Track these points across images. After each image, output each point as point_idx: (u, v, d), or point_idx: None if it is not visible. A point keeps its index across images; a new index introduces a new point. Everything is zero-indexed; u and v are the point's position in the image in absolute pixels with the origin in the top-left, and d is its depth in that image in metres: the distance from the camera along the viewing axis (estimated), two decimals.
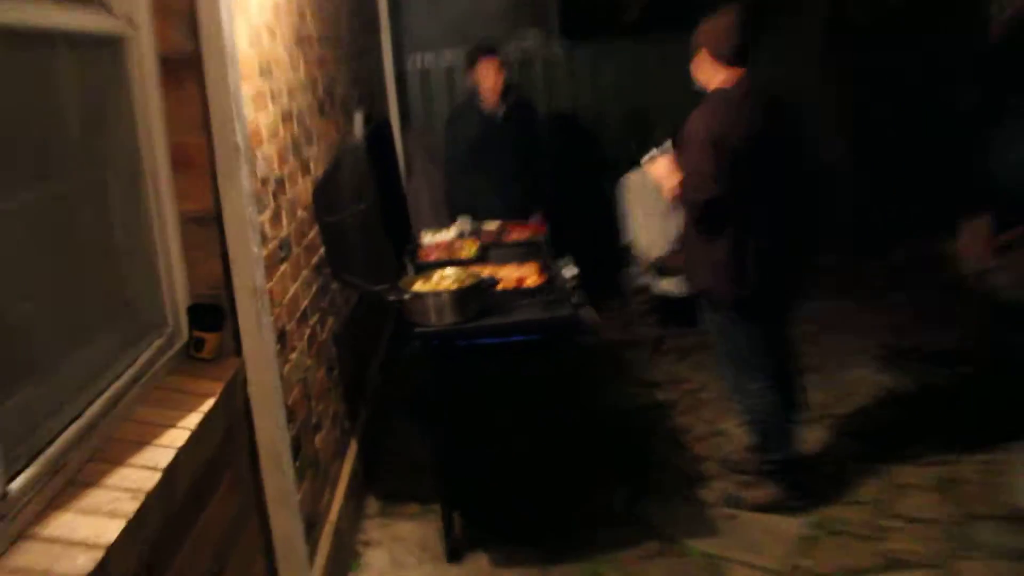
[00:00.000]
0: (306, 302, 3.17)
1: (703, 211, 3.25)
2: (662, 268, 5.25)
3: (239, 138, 2.40)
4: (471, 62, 4.80)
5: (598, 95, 6.07)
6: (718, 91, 3.28)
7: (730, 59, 3.24)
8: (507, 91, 4.84)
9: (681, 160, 3.27)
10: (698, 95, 3.31)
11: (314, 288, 3.28)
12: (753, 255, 3.30)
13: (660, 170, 3.35)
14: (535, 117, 4.98)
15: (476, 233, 4.41)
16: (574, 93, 6.09)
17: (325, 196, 3.27)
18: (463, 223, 4.44)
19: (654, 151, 3.37)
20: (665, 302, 5.33)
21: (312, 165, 3.43)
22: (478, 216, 4.51)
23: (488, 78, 4.82)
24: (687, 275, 3.50)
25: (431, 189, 5.56)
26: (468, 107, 4.93)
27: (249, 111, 2.64)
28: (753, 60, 3.23)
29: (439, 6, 5.85)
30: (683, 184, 3.25)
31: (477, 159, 4.83)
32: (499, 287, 3.44)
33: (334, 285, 3.54)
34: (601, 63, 6.04)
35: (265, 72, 2.88)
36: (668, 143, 3.34)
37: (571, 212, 5.45)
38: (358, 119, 3.52)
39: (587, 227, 5.70)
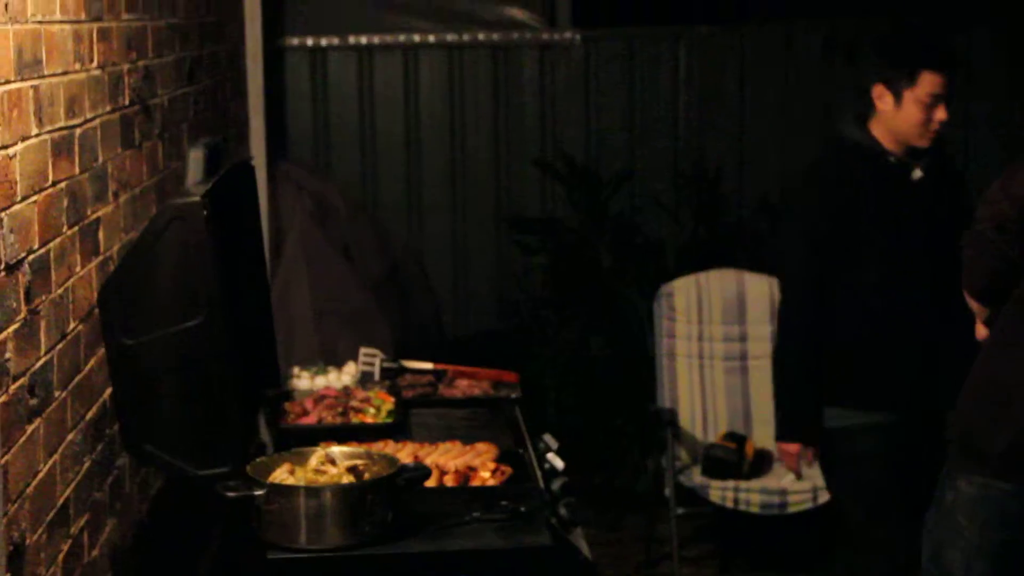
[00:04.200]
0: (69, 491, 2.75)
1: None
2: (721, 461, 4.56)
3: None
4: (906, 69, 3.77)
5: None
6: None
7: None
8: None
9: None
10: None
11: (86, 465, 2.89)
12: None
13: None
14: (960, 179, 4.08)
15: (392, 379, 3.93)
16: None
17: (125, 300, 2.90)
18: (371, 357, 3.98)
19: None
20: (725, 522, 4.92)
21: (104, 239, 3.07)
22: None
23: (935, 110, 3.74)
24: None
25: (320, 285, 4.96)
26: (854, 157, 3.89)
27: None
28: None
29: None
30: None
31: (886, 269, 3.82)
32: (428, 484, 3.02)
33: (122, 459, 3.17)
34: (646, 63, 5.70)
35: (27, 61, 2.51)
36: None
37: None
38: (196, 158, 3.13)
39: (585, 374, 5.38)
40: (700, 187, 5.60)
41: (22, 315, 2.45)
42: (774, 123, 5.61)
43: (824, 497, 4.32)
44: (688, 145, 5.65)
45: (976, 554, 3.10)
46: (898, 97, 3.73)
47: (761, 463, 4.53)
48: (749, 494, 4.48)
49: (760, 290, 4.74)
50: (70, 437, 2.74)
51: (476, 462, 3.18)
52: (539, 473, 3.14)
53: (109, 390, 3.01)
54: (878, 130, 3.80)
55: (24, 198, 2.46)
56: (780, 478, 4.45)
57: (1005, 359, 3.09)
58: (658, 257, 5.50)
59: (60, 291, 2.69)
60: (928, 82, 3.69)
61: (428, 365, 4.02)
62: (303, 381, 3.90)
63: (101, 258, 3.02)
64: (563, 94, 5.66)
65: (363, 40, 5.61)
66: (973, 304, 3.17)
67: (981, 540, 3.08)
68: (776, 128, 5.60)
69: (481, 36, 5.56)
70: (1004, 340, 3.10)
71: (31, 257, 2.51)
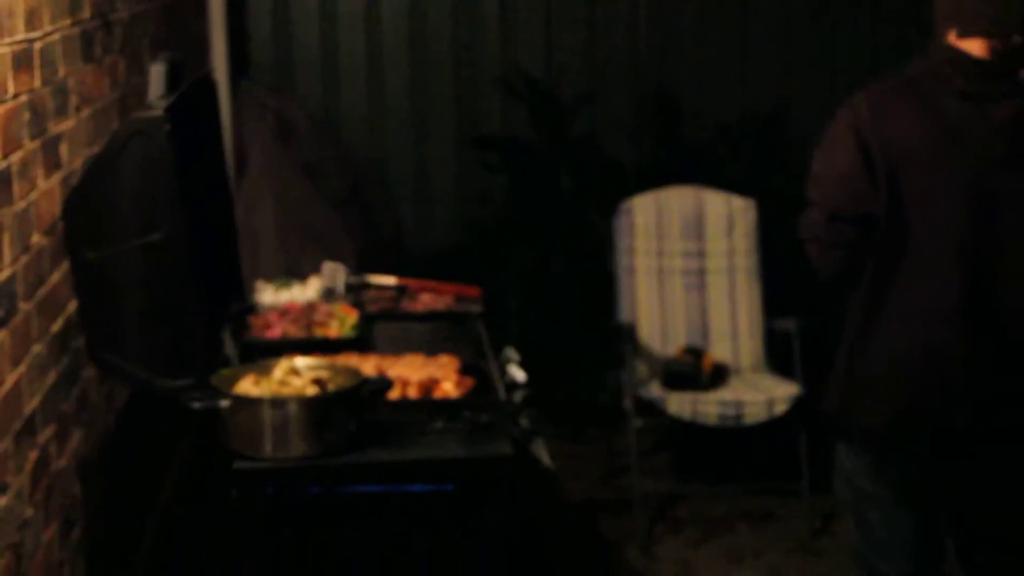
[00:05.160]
0: (35, 402, 2.71)
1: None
2: (679, 374, 4.58)
3: None
4: None
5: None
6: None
7: None
8: None
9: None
10: None
11: (52, 377, 2.85)
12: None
13: None
14: None
15: (356, 293, 3.85)
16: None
17: (88, 214, 2.88)
18: (334, 272, 3.88)
19: None
20: (683, 434, 4.95)
21: (66, 153, 2.99)
22: None
23: None
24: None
25: (283, 203, 4.90)
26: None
27: None
28: None
29: None
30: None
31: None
32: (391, 395, 3.03)
33: (88, 371, 3.13)
34: None
35: None
36: None
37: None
38: (157, 73, 3.08)
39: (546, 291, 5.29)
40: (660, 109, 5.61)
41: None
42: (733, 45, 5.60)
43: (779, 409, 4.38)
44: (648, 66, 5.64)
45: (893, 509, 3.12)
46: None
47: (718, 376, 4.57)
48: (707, 406, 4.51)
49: (718, 207, 4.76)
50: (35, 349, 2.74)
51: (439, 374, 3.17)
52: (501, 385, 3.14)
53: (74, 303, 2.99)
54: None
55: None
56: (736, 391, 4.50)
57: (874, 337, 3.05)
58: (619, 178, 5.52)
59: (23, 204, 2.66)
60: None
61: (391, 280, 4.00)
62: (268, 295, 3.88)
63: (64, 172, 2.98)
64: (524, 13, 5.62)
65: None
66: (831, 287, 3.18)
67: (892, 496, 3.10)
68: (735, 50, 5.60)
69: None
70: (870, 318, 3.06)
71: None
